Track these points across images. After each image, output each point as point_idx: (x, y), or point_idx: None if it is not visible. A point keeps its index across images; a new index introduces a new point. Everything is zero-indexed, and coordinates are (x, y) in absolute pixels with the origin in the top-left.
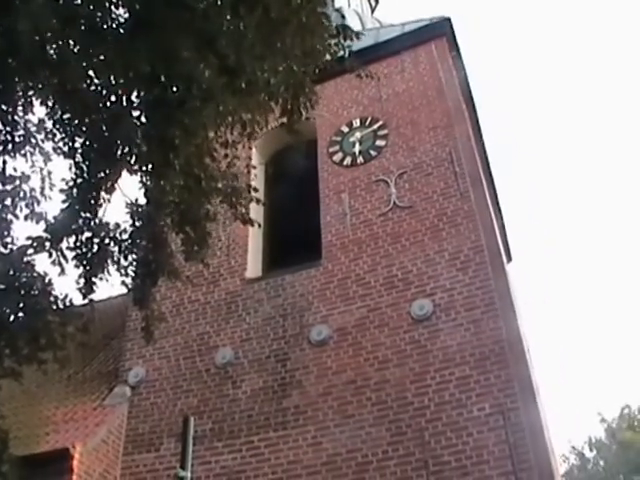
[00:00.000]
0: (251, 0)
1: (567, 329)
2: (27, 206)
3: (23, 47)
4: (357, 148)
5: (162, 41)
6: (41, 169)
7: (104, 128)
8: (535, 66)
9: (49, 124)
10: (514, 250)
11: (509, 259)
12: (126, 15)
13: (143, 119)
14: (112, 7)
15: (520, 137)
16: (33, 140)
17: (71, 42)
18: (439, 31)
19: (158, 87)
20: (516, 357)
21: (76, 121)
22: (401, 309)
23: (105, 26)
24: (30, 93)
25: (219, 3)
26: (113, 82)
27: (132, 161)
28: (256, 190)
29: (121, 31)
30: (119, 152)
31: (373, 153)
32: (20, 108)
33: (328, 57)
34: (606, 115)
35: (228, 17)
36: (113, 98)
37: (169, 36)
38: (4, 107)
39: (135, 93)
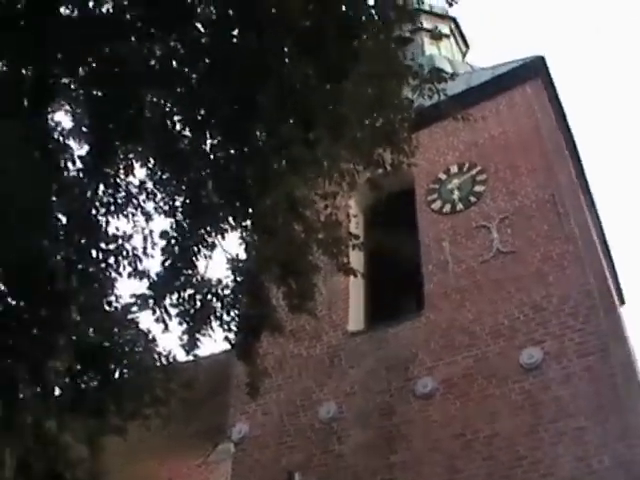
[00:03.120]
0: (349, 56)
1: None
2: (130, 264)
3: (122, 112)
4: (456, 195)
5: (241, 91)
6: (143, 228)
7: (202, 186)
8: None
9: (150, 185)
10: (626, 292)
11: (622, 302)
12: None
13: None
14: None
15: (628, 171)
16: (135, 201)
17: (168, 104)
18: (533, 71)
19: (235, 141)
20: (634, 404)
21: (175, 181)
22: (509, 358)
23: (196, 83)
24: (130, 156)
25: (309, 61)
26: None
27: (230, 217)
28: (357, 237)
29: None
30: (218, 209)
31: (472, 199)
32: (122, 171)
33: (422, 103)
34: None
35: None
36: (207, 156)
37: (248, 86)
38: (106, 170)
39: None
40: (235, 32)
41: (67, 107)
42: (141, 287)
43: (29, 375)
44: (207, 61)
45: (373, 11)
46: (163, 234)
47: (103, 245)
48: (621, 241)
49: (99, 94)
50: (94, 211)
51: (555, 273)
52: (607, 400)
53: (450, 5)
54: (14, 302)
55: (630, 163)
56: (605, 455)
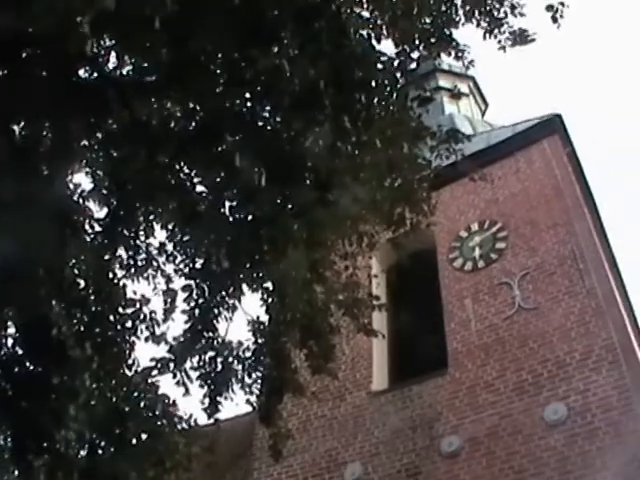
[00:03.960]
0: (363, 120)
1: None
2: (147, 328)
3: (142, 173)
4: (477, 252)
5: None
6: (163, 291)
7: (223, 249)
8: None
9: (170, 247)
10: None
11: None
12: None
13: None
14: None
15: None
16: (155, 263)
17: (187, 167)
18: (550, 128)
19: (253, 203)
20: None
21: (195, 243)
22: (534, 415)
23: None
24: (150, 218)
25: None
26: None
27: (251, 279)
28: (378, 298)
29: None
30: (238, 271)
31: (494, 256)
32: (142, 233)
33: (440, 163)
34: None
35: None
36: (227, 218)
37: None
38: (126, 232)
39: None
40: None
41: (87, 169)
42: (160, 351)
43: (40, 444)
44: (225, 124)
45: (383, 75)
46: (185, 287)
47: (121, 309)
48: None
49: (119, 156)
50: (112, 275)
51: (577, 328)
52: (633, 455)
53: (467, 68)
54: (32, 367)
55: None
56: None
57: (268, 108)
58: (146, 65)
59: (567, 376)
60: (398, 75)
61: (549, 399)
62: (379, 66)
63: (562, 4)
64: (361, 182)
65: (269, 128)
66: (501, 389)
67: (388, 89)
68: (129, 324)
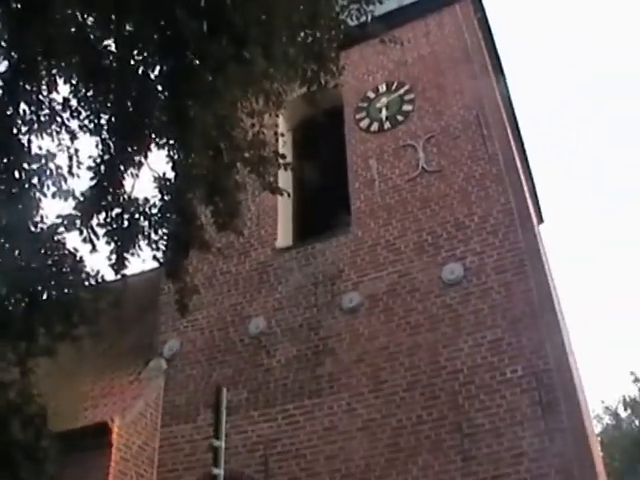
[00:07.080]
0: None
1: (601, 288)
2: (54, 184)
3: (44, 26)
4: (384, 113)
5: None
6: (68, 147)
7: (129, 104)
8: (565, 20)
9: (74, 102)
10: (546, 211)
11: (540, 221)
12: None
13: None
14: None
15: (551, 95)
16: (59, 119)
17: (91, 19)
18: None
19: (170, 59)
20: (548, 318)
21: (100, 98)
22: (432, 274)
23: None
24: (53, 72)
25: None
26: (132, 56)
27: (157, 135)
28: (284, 157)
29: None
30: (144, 127)
31: (400, 118)
32: (44, 87)
33: (350, 23)
34: None
35: None
36: (135, 72)
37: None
38: (28, 87)
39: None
40: None
41: None
42: (66, 207)
43: None
44: None
45: None
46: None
47: (26, 165)
48: (544, 162)
49: (18, 7)
50: (16, 130)
51: (477, 192)
52: (522, 314)
53: None
54: None
55: (555, 83)
56: (519, 365)
57: None
58: None
59: (465, 238)
60: None
61: (447, 259)
62: None
63: None
64: (275, 36)
65: None
66: (401, 248)
67: None
68: (35, 180)
